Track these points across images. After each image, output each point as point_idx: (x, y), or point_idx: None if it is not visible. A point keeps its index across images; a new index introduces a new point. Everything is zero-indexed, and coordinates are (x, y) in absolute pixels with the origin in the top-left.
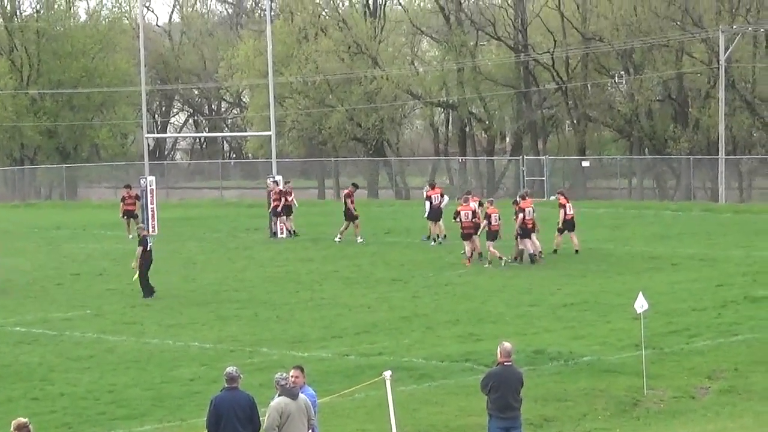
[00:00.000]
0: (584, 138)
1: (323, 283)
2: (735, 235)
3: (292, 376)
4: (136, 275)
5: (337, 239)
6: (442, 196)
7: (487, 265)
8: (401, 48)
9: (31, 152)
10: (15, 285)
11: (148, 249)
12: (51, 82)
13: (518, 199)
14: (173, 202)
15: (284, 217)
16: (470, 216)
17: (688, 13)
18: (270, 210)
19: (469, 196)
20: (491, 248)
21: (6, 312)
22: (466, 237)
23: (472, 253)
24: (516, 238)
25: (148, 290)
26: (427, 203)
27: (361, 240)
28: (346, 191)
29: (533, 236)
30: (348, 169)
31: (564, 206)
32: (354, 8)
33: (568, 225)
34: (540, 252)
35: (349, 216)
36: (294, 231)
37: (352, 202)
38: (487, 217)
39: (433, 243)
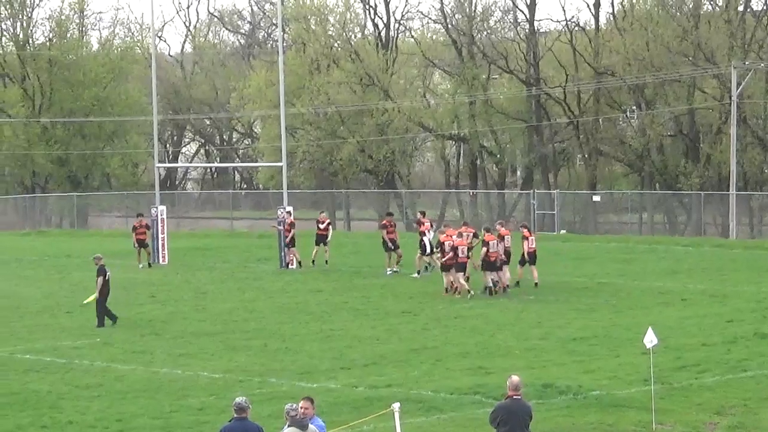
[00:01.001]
0: (595, 172)
1: (333, 315)
2: (745, 271)
3: (301, 407)
4: (88, 299)
5: (388, 272)
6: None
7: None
8: (413, 80)
9: (43, 180)
10: (23, 312)
11: (107, 279)
12: (63, 111)
13: (483, 231)
14: (184, 232)
15: (294, 248)
16: (450, 248)
17: (701, 48)
18: (287, 241)
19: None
20: (460, 279)
21: (16, 339)
22: (445, 268)
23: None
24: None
25: (102, 319)
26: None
27: (390, 272)
28: (382, 222)
29: (505, 268)
30: (359, 201)
31: (527, 239)
32: (366, 40)
33: (530, 258)
34: (506, 285)
35: (386, 247)
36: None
37: (388, 233)
38: (485, 244)
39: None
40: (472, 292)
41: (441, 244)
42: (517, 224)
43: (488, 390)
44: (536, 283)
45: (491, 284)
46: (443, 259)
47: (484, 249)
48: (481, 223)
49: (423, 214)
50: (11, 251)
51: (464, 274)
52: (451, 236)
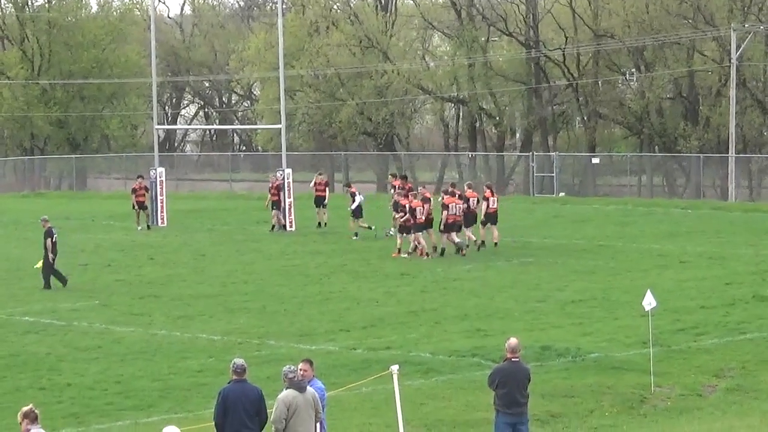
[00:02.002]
0: (594, 135)
1: (331, 277)
2: (744, 234)
3: (300, 369)
4: (39, 263)
5: (391, 232)
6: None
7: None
8: (412, 43)
9: (41, 142)
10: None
11: (54, 241)
12: (62, 73)
13: (442, 194)
14: (183, 194)
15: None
16: (423, 211)
17: (700, 11)
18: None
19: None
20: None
21: (15, 301)
22: (404, 230)
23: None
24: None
25: (48, 281)
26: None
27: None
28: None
29: (468, 230)
30: (358, 163)
31: (488, 200)
32: (365, 2)
33: (491, 218)
34: (466, 245)
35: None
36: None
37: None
38: (445, 207)
39: (355, 237)
40: (429, 255)
41: (399, 205)
42: (517, 188)
43: (486, 352)
44: (496, 243)
45: (459, 243)
46: (401, 221)
47: (444, 212)
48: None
49: (394, 176)
50: (10, 213)
51: (424, 233)
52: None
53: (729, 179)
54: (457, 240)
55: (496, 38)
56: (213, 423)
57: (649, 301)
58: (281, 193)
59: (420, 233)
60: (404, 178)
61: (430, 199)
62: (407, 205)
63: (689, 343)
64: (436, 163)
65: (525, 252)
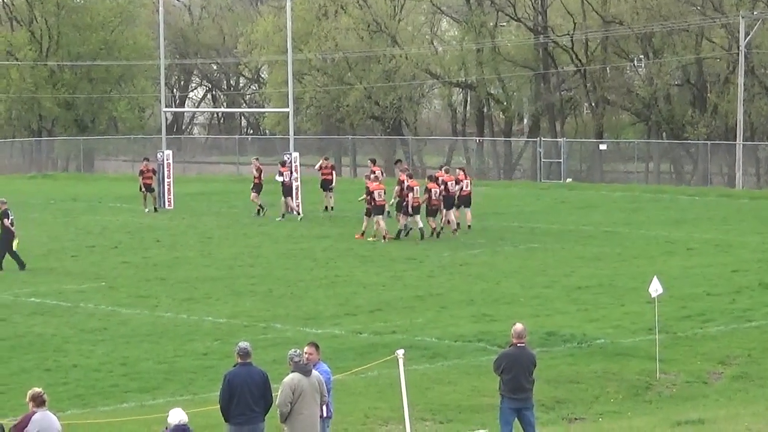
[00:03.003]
0: (602, 121)
1: (338, 261)
2: (751, 221)
3: (306, 353)
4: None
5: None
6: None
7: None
8: (421, 27)
9: (49, 124)
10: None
11: (10, 222)
12: (70, 54)
13: (426, 179)
14: (190, 177)
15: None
16: (382, 194)
17: None
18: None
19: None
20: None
21: (21, 283)
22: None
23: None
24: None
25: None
26: (279, 178)
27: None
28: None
29: (447, 212)
30: (365, 148)
31: (461, 182)
32: None
33: (464, 200)
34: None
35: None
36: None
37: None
38: (428, 192)
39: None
40: (388, 237)
41: (370, 192)
42: (525, 174)
43: (492, 337)
44: (469, 226)
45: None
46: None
47: (426, 196)
48: (487, 171)
49: (374, 161)
50: (17, 194)
51: (383, 217)
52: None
53: (736, 166)
54: (405, 222)
55: (504, 23)
56: (218, 406)
57: (655, 288)
58: (261, 176)
59: (380, 216)
60: (373, 161)
61: (412, 187)
62: (366, 188)
63: (695, 330)
64: (444, 148)
65: (532, 238)
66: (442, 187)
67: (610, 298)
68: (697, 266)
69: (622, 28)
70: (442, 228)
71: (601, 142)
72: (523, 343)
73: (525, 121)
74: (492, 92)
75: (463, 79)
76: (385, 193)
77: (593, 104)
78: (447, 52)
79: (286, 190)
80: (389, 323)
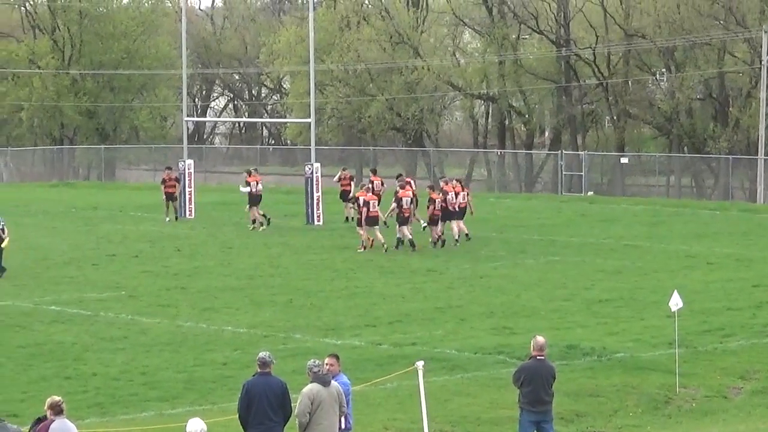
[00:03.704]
0: (623, 134)
1: (358, 272)
2: None
3: (327, 364)
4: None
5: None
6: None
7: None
8: (443, 39)
9: (71, 132)
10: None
11: (1, 228)
12: (92, 63)
13: (427, 189)
14: (211, 186)
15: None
16: (362, 202)
17: (732, 12)
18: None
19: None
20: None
21: (42, 291)
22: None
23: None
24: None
25: None
26: (245, 189)
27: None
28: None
29: (437, 225)
30: (386, 159)
31: (458, 194)
32: None
33: (459, 213)
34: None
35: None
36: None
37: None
38: (398, 200)
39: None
40: (386, 246)
41: (357, 199)
42: (545, 186)
43: (512, 350)
44: (460, 238)
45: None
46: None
47: (431, 206)
48: (508, 183)
49: (374, 172)
50: (39, 203)
51: (372, 228)
52: (404, 195)
53: (758, 181)
54: (405, 233)
55: (526, 36)
56: (237, 416)
57: (675, 302)
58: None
59: (376, 227)
60: (374, 172)
61: (402, 198)
62: (360, 198)
63: (715, 344)
64: (465, 160)
65: (552, 250)
66: (442, 198)
67: (630, 311)
68: (718, 281)
69: (645, 41)
70: (442, 238)
71: (623, 156)
72: (543, 355)
73: (546, 133)
74: (514, 104)
75: (485, 92)
76: (379, 203)
77: (615, 117)
78: (469, 64)
79: (254, 199)
80: (409, 335)
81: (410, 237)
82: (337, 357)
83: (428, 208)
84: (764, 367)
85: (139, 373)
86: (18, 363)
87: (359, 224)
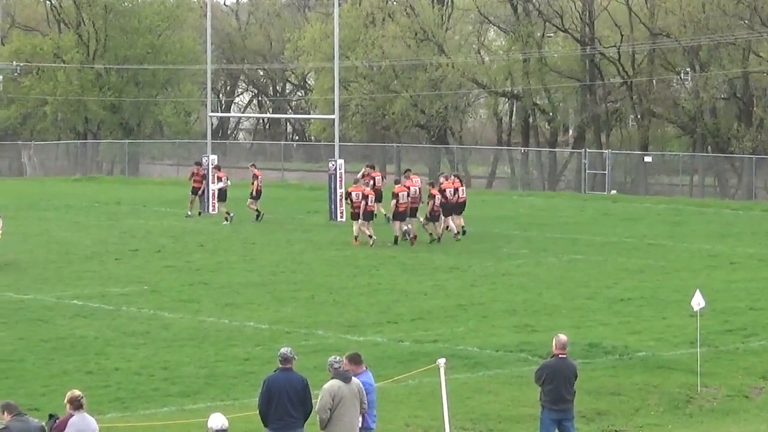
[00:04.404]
0: (647, 133)
1: (380, 269)
2: None
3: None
4: None
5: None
6: (219, 180)
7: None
8: (468, 36)
9: (95, 127)
10: (72, 258)
11: None
12: (117, 58)
13: (428, 185)
14: (234, 182)
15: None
16: (360, 197)
17: (757, 11)
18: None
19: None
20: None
21: (64, 285)
22: (354, 216)
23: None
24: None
25: None
26: (219, 185)
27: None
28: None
29: (446, 219)
30: (410, 156)
31: (457, 189)
32: None
33: (459, 208)
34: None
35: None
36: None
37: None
38: (431, 198)
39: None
40: (374, 238)
41: (349, 194)
42: (569, 184)
43: (534, 348)
44: (459, 232)
45: (407, 231)
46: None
47: (431, 202)
48: (531, 181)
49: (372, 167)
50: (62, 197)
51: (367, 222)
52: (400, 190)
53: None
54: (404, 228)
55: (551, 34)
56: (257, 411)
57: (698, 301)
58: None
59: (367, 221)
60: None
61: (398, 193)
62: (353, 193)
63: (737, 344)
64: (489, 158)
65: (574, 249)
66: (439, 194)
67: (652, 310)
68: (741, 280)
69: (669, 40)
70: (440, 235)
71: (646, 155)
72: (565, 354)
73: (570, 132)
74: (538, 102)
75: (510, 89)
76: (380, 199)
77: (639, 116)
78: (494, 62)
79: (221, 195)
80: (431, 332)
81: (397, 234)
82: (353, 359)
83: (428, 203)
84: None
85: (160, 368)
86: (40, 357)
87: (353, 218)
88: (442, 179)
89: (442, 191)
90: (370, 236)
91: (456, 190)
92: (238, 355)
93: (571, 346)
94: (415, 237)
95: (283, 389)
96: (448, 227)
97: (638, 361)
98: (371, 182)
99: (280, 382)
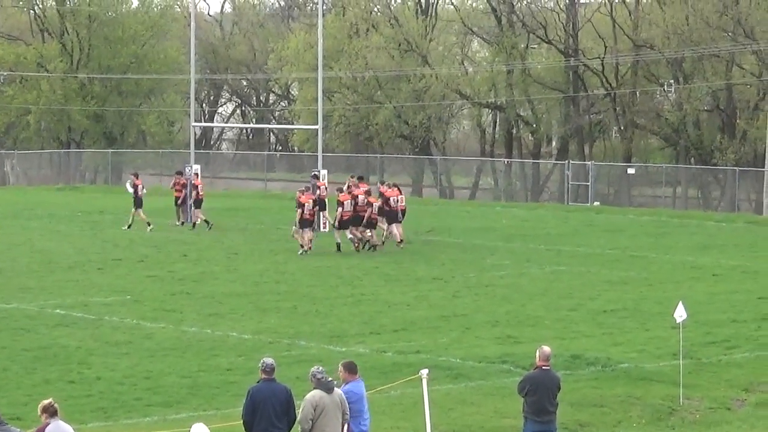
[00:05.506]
0: (631, 145)
1: (364, 279)
2: None
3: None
4: None
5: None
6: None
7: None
8: (451, 47)
9: (78, 136)
10: (54, 267)
11: None
12: (100, 67)
13: (337, 191)
14: (218, 192)
15: (197, 209)
16: (312, 205)
17: (740, 24)
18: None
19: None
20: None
21: (47, 294)
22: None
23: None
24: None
25: None
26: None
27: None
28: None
29: (390, 226)
30: (393, 167)
31: (397, 198)
32: (406, 5)
33: (390, 216)
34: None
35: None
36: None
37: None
38: (340, 204)
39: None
40: (305, 248)
41: (300, 204)
42: (552, 196)
43: (516, 359)
44: (401, 241)
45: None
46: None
47: (369, 210)
48: (514, 192)
49: (317, 177)
50: (45, 206)
51: (311, 230)
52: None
53: (764, 193)
54: (349, 236)
55: (535, 45)
56: (241, 421)
57: (680, 313)
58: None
59: (308, 228)
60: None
61: (343, 202)
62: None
63: (720, 356)
64: (472, 169)
65: (558, 260)
66: (380, 201)
67: (635, 322)
68: (723, 292)
69: (653, 52)
70: (383, 242)
71: (629, 166)
72: (548, 366)
73: (554, 143)
74: (521, 114)
75: (493, 100)
76: (324, 208)
77: (622, 128)
78: (477, 73)
79: (138, 202)
80: (414, 343)
81: (339, 241)
82: (348, 367)
83: (367, 211)
84: None
85: (143, 377)
86: (22, 366)
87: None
88: (383, 188)
89: (386, 199)
90: (302, 245)
91: (396, 199)
92: (220, 365)
93: (553, 357)
94: (374, 246)
95: (267, 400)
96: (391, 234)
97: (621, 373)
98: (318, 191)
99: (264, 392)
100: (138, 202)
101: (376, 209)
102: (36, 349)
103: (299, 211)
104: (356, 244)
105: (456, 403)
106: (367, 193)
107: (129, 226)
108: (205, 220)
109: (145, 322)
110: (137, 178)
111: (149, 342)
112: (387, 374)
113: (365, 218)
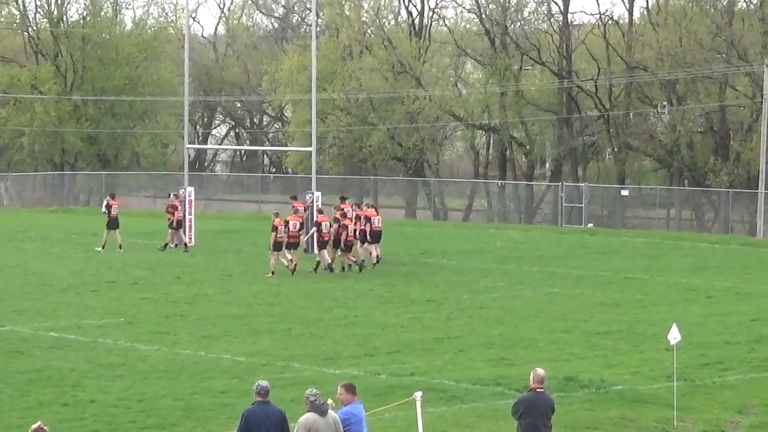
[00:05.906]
0: (624, 167)
1: (357, 301)
2: None
3: (339, 394)
4: None
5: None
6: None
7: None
8: (445, 69)
9: (72, 158)
10: (48, 289)
11: None
12: (94, 89)
13: (361, 207)
14: (211, 214)
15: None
16: (297, 226)
17: (734, 45)
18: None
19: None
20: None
21: (40, 316)
22: (283, 246)
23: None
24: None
25: None
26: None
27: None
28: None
29: (369, 246)
30: (386, 188)
31: (370, 219)
32: (399, 27)
33: (374, 236)
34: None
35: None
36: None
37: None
38: (317, 225)
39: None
40: (290, 268)
41: (275, 227)
42: (545, 218)
43: (510, 381)
44: (377, 262)
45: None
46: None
47: (344, 233)
48: (508, 214)
49: (294, 198)
50: (39, 228)
51: (291, 251)
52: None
53: (758, 215)
54: (325, 257)
55: (528, 67)
56: None
57: (674, 335)
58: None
59: (290, 250)
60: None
61: (321, 222)
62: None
63: (714, 378)
64: (465, 191)
65: (551, 282)
66: (364, 221)
67: (629, 344)
68: (717, 314)
69: (646, 74)
70: (363, 261)
71: (623, 188)
72: (542, 388)
73: (547, 165)
74: (515, 135)
75: (487, 122)
76: (301, 228)
77: (616, 150)
78: (471, 95)
79: (112, 223)
80: (407, 365)
81: (329, 261)
82: (348, 388)
83: (341, 234)
84: (762, 402)
85: (136, 400)
86: (16, 388)
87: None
88: (361, 209)
89: (368, 219)
90: (273, 271)
91: (369, 219)
92: (214, 387)
93: (547, 379)
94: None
95: (261, 422)
96: (370, 254)
97: (615, 395)
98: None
99: (258, 414)
100: (112, 223)
101: (352, 231)
102: (30, 372)
103: (273, 234)
104: (338, 267)
105: (450, 425)
106: (342, 215)
107: (103, 247)
108: (185, 243)
109: (139, 345)
110: (113, 198)
111: (143, 364)
112: (381, 396)
113: (342, 241)
